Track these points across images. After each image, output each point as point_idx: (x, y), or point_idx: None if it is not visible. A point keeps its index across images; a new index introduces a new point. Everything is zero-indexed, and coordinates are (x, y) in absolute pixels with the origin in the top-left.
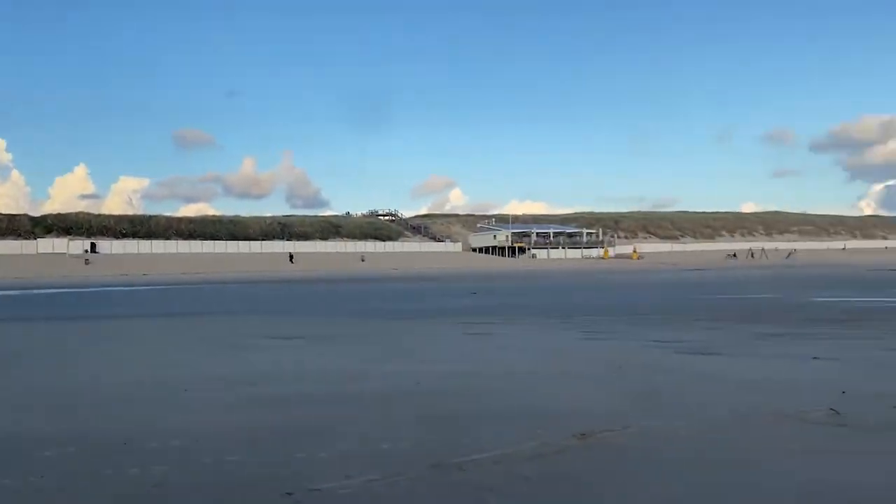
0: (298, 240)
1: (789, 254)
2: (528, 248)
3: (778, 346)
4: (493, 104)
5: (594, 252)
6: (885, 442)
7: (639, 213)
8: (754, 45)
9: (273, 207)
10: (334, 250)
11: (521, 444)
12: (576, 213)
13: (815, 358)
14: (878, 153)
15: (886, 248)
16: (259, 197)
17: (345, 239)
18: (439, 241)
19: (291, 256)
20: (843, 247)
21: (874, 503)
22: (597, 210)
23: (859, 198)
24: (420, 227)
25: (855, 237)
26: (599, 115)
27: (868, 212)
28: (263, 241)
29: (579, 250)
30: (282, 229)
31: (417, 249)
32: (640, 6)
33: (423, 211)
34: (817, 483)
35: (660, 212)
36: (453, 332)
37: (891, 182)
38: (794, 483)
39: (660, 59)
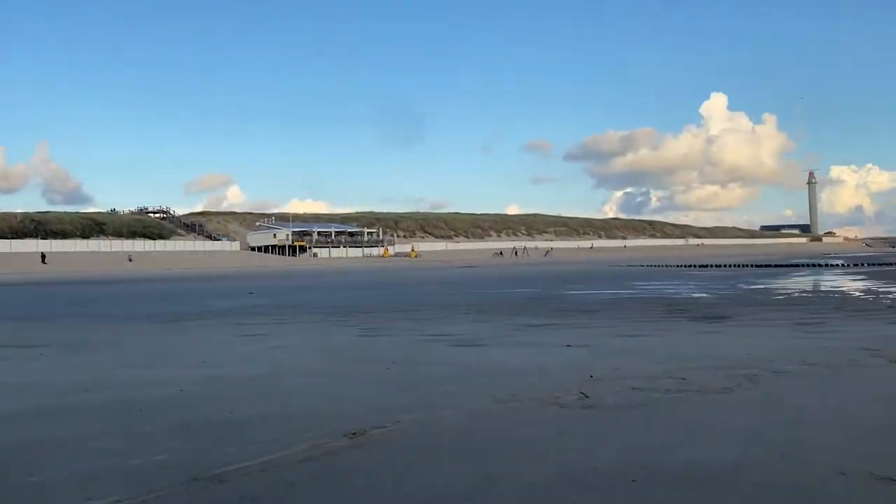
0: (55, 238)
1: (547, 252)
2: (310, 248)
3: (536, 336)
4: (271, 102)
5: (375, 251)
6: (625, 420)
7: (417, 213)
8: (516, 61)
9: (26, 203)
10: (98, 249)
11: (290, 449)
12: (357, 213)
13: (567, 346)
14: (620, 163)
15: (626, 246)
16: (8, 191)
17: (110, 237)
18: (216, 239)
19: (44, 256)
20: (590, 245)
21: (615, 478)
22: (377, 210)
23: (604, 202)
24: (195, 226)
25: (601, 237)
26: (379, 120)
27: (611, 215)
28: (13, 240)
29: (360, 249)
30: (35, 227)
31: (192, 248)
32: (408, 18)
33: (199, 209)
34: (569, 463)
35: (436, 213)
36: (226, 335)
37: (629, 189)
38: (550, 463)
39: (433, 70)
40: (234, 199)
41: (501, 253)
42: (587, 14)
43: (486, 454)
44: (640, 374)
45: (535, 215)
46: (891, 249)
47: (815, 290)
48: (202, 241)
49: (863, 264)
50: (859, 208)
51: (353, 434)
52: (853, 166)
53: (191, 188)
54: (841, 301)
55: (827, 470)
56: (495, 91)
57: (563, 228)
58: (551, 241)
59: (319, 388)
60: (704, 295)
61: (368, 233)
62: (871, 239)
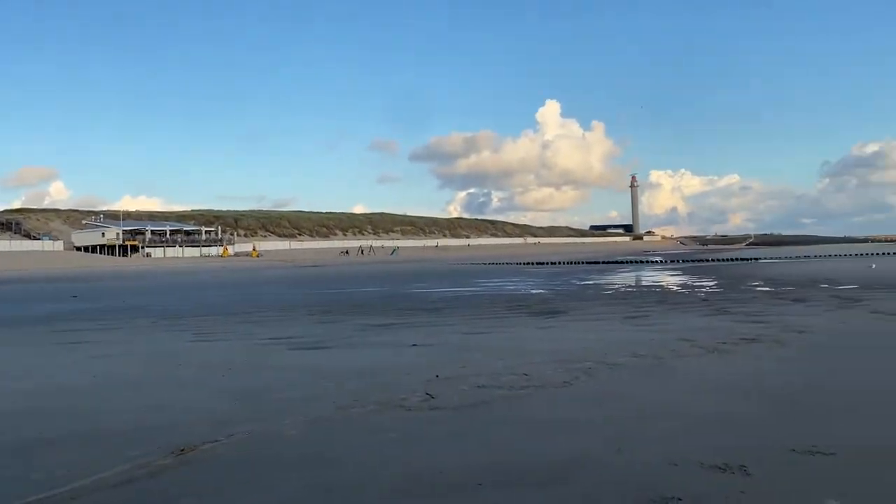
0: None
1: (393, 251)
2: (142, 247)
3: (382, 336)
4: (101, 91)
5: (214, 250)
6: (470, 420)
7: (259, 211)
8: (362, 60)
9: None
10: None
11: (107, 471)
12: (194, 211)
13: (413, 345)
14: (463, 165)
15: (469, 244)
16: None
17: None
18: (35, 238)
19: None
20: (436, 244)
21: (461, 482)
22: (216, 208)
23: (448, 202)
24: (11, 224)
25: (446, 236)
26: (218, 113)
27: (455, 214)
28: None
29: (198, 249)
30: None
31: (7, 249)
32: (248, 13)
33: (17, 205)
34: (414, 469)
35: (279, 211)
36: (43, 343)
37: (472, 189)
38: (394, 471)
39: (279, 64)
40: (58, 195)
41: (347, 252)
42: (433, 16)
43: (327, 465)
44: (484, 371)
45: (381, 214)
46: (700, 247)
47: (639, 285)
48: (19, 241)
49: (678, 261)
50: (674, 210)
51: (182, 451)
52: (669, 171)
53: (6, 183)
54: (661, 295)
55: (661, 461)
56: (340, 89)
57: (409, 227)
58: (398, 240)
59: (146, 399)
60: (542, 291)
61: (206, 231)
62: (684, 237)
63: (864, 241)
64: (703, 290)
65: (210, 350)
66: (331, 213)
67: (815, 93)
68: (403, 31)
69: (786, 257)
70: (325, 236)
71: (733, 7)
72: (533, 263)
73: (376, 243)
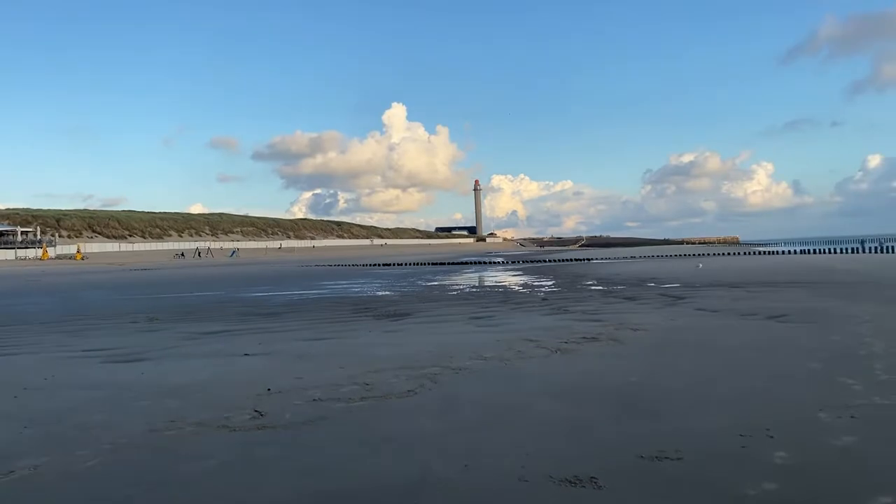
0: None
1: (233, 252)
2: None
3: (212, 344)
4: None
5: (31, 252)
6: (302, 438)
7: (85, 211)
8: (202, 55)
9: None
10: None
11: None
12: (8, 210)
13: (246, 354)
14: (309, 165)
15: (314, 246)
16: None
17: None
18: None
19: None
20: (279, 246)
21: None
22: (35, 207)
23: (292, 203)
24: None
25: (290, 237)
26: (39, 105)
27: (300, 215)
28: None
29: (13, 250)
30: None
31: None
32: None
33: None
34: (234, 502)
35: (107, 211)
36: None
37: (318, 190)
38: None
39: (110, 61)
40: None
41: (183, 254)
42: (281, 11)
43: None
44: (322, 382)
45: (220, 215)
46: (538, 248)
47: (483, 286)
48: None
49: (518, 261)
50: (515, 213)
51: None
52: (510, 176)
53: None
54: (504, 294)
55: (510, 477)
56: (178, 82)
57: (250, 228)
58: (238, 241)
59: None
60: (388, 293)
61: (23, 232)
62: (524, 239)
63: (681, 242)
64: (543, 289)
65: (6, 366)
66: (165, 213)
67: (638, 107)
68: (249, 25)
69: (615, 258)
70: (159, 238)
71: (573, 26)
72: (379, 265)
73: (215, 245)
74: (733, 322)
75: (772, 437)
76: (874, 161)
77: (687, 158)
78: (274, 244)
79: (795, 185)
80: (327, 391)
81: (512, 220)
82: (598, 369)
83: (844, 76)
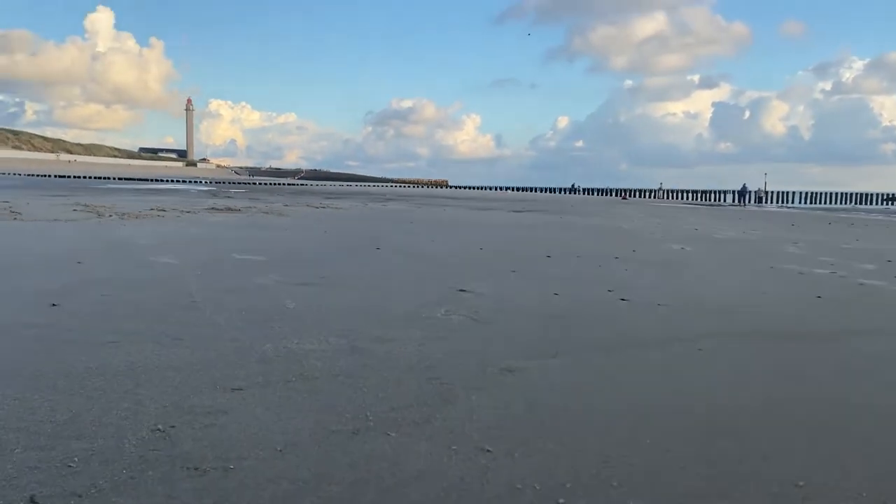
0: None
1: None
2: None
3: None
4: None
5: None
6: None
7: None
8: None
9: None
10: None
11: None
12: None
13: None
14: None
15: None
16: None
17: None
18: None
19: None
20: None
21: None
22: None
23: None
24: None
25: None
26: None
27: None
28: None
29: None
30: None
31: None
32: None
33: None
34: None
35: None
36: None
37: (0, 97)
38: None
39: None
40: None
41: None
42: None
43: None
44: None
45: None
46: (248, 177)
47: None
48: None
49: (221, 183)
50: (234, 141)
51: None
52: (230, 102)
53: None
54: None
55: None
56: None
57: None
58: None
59: None
60: None
61: None
62: (239, 168)
63: (397, 183)
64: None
65: None
66: None
67: (366, 46)
68: None
69: (331, 185)
70: None
71: None
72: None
73: None
74: None
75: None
76: (563, 122)
77: (406, 104)
78: None
79: (497, 138)
80: None
81: (230, 150)
82: None
83: (543, 42)
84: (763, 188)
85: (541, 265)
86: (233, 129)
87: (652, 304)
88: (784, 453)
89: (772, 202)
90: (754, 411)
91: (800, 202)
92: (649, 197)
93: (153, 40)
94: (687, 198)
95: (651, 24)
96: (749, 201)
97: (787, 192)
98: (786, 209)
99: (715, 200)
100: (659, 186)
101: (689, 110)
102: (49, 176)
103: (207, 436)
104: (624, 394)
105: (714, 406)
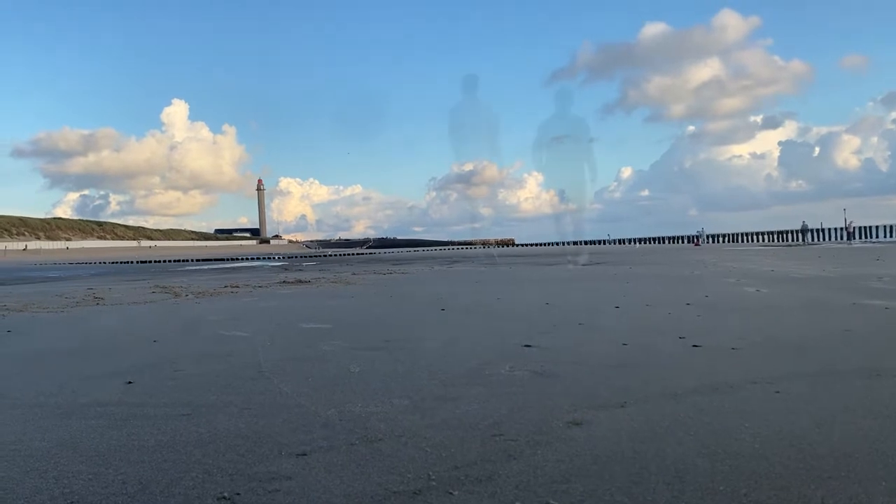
0: None
1: None
2: None
3: None
4: None
5: None
6: None
7: None
8: None
9: None
10: None
11: None
12: None
13: None
14: (79, 164)
15: (68, 248)
16: None
17: None
18: None
19: None
20: (24, 247)
21: None
22: None
23: (55, 204)
24: None
25: (40, 238)
26: None
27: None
28: None
29: None
30: None
31: None
32: None
33: None
34: None
35: None
36: None
37: (87, 191)
38: None
39: None
40: None
41: None
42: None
43: None
44: None
45: None
46: (319, 250)
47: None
48: None
49: (293, 258)
50: (304, 216)
51: None
52: (299, 179)
53: None
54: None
55: None
56: None
57: None
58: None
59: None
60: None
61: None
62: (311, 241)
63: (464, 244)
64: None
65: None
66: None
67: (426, 118)
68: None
69: (398, 251)
70: None
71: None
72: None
73: None
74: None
75: None
76: (626, 172)
77: (468, 167)
78: (17, 245)
79: (561, 193)
80: None
81: (301, 224)
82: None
83: (598, 98)
84: (850, 223)
85: (608, 316)
86: (302, 204)
87: (725, 348)
88: (873, 497)
89: (855, 238)
90: (838, 455)
91: (884, 236)
92: (721, 242)
93: (226, 126)
94: (763, 240)
95: (706, 70)
96: (813, 239)
97: (870, 227)
98: (870, 244)
99: (793, 241)
100: (700, 231)
101: (756, 151)
102: (131, 262)
103: (271, 501)
104: (697, 440)
105: (795, 449)
